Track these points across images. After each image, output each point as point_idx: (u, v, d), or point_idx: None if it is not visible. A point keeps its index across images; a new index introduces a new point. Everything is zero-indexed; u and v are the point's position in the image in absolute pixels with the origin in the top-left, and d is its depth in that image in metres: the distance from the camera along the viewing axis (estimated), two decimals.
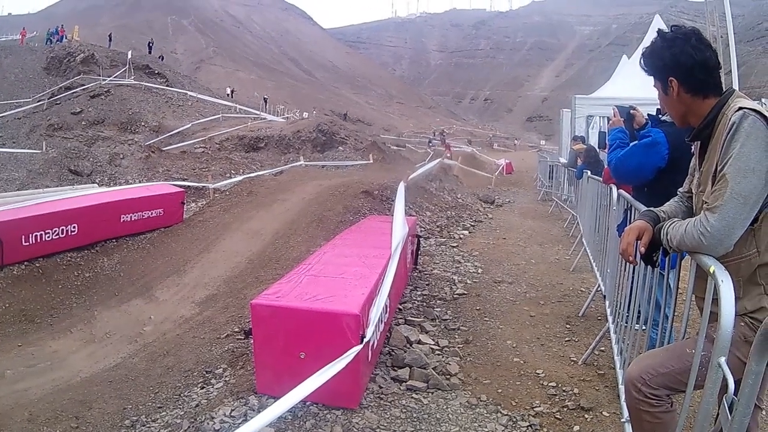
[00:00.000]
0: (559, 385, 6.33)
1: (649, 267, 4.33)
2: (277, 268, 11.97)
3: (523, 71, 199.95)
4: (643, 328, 4.72)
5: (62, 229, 13.20)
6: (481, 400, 6.11)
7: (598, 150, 13.64)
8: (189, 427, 5.98)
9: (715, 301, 2.64)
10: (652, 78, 3.38)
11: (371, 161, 28.60)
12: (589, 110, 20.86)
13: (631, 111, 6.45)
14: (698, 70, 3.15)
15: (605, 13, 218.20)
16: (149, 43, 73.71)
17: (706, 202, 2.98)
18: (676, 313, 4.12)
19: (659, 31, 3.28)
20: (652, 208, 3.64)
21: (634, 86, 16.59)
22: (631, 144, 6.38)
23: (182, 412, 6.42)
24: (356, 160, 29.65)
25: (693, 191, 3.41)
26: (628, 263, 4.61)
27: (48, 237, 12.88)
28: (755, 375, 2.22)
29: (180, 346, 9.11)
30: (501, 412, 5.88)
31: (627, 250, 3.52)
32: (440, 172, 25.80)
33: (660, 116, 6.10)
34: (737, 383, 2.36)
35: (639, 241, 3.46)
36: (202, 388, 7.02)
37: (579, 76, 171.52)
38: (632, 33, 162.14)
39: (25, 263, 12.43)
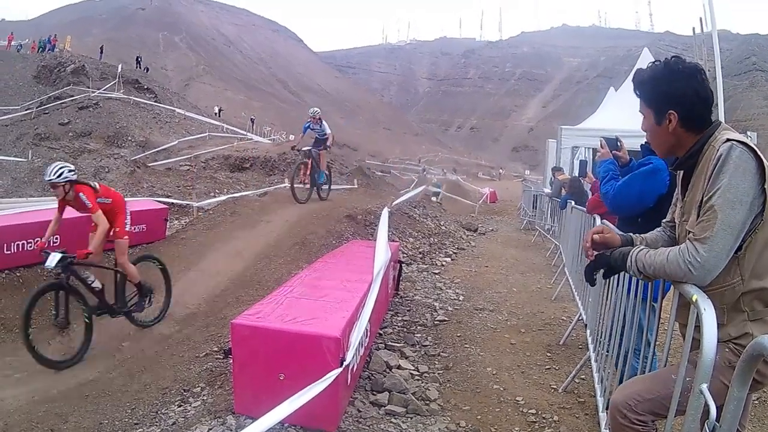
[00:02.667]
0: (539, 413, 6.33)
1: (631, 295, 4.37)
2: (259, 289, 11.94)
3: (511, 101, 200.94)
4: (625, 356, 4.74)
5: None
6: (460, 426, 6.10)
7: (581, 179, 13.70)
8: None
9: (698, 328, 2.66)
10: (638, 104, 3.39)
11: (356, 186, 28.60)
12: (575, 141, 20.95)
13: (618, 143, 6.50)
14: (700, 107, 3.16)
15: (594, 45, 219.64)
16: (137, 58, 73.76)
17: (690, 232, 3.00)
18: (657, 342, 4.14)
19: (665, 60, 3.26)
20: (630, 234, 3.67)
21: (621, 118, 16.68)
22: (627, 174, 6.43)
23: (159, 430, 6.40)
24: (341, 184, 29.65)
25: (676, 220, 3.43)
26: (609, 292, 4.66)
27: (30, 246, 12.72)
28: (737, 401, 2.25)
29: (158, 363, 9.07)
30: None
31: (587, 239, 3.65)
32: (424, 199, 25.83)
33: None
34: (719, 408, 2.39)
35: (596, 236, 3.60)
36: (180, 406, 6.99)
37: (566, 107, 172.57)
38: (620, 66, 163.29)
39: (6, 272, 12.37)
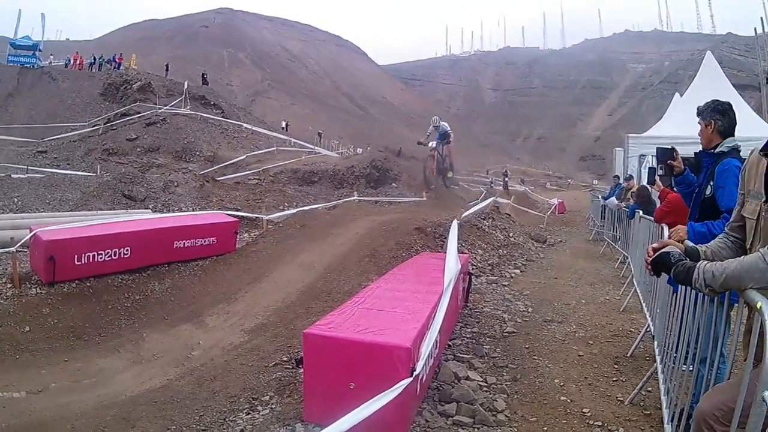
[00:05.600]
0: (605, 425, 6.33)
1: (701, 304, 4.38)
2: (329, 300, 12.05)
3: (576, 110, 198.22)
4: (690, 368, 4.73)
5: (115, 251, 13.43)
6: None
7: (649, 188, 13.60)
8: None
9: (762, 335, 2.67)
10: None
11: (424, 198, 28.63)
12: (642, 149, 20.68)
13: (674, 153, 6.53)
14: None
15: (657, 50, 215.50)
16: (203, 74, 73.98)
17: None
18: (728, 352, 4.14)
19: None
20: (696, 246, 3.69)
21: (687, 125, 16.41)
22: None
23: None
24: (410, 196, 29.66)
25: (748, 217, 3.44)
26: (679, 304, 4.67)
27: (100, 258, 13.12)
28: None
29: (227, 371, 9.25)
30: None
31: (649, 251, 3.69)
32: (493, 211, 25.74)
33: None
34: None
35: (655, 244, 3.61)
36: (248, 414, 7.13)
37: (632, 114, 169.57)
38: (684, 70, 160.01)
39: (76, 282, 12.65)
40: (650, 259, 3.68)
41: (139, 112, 46.11)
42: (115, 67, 63.72)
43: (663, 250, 3.61)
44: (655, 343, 7.14)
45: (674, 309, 5.77)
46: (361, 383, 5.74)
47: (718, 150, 5.79)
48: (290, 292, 13.35)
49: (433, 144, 26.86)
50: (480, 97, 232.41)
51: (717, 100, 5.91)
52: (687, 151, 7.03)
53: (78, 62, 67.38)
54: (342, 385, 5.95)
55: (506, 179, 67.89)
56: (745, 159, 3.79)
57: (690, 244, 3.88)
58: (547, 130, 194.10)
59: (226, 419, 7.09)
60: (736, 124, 5.72)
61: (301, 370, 6.73)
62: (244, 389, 8.08)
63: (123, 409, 8.12)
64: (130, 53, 73.01)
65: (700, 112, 5.94)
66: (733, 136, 5.79)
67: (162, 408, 7.92)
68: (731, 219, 3.71)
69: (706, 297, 4.15)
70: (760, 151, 3.41)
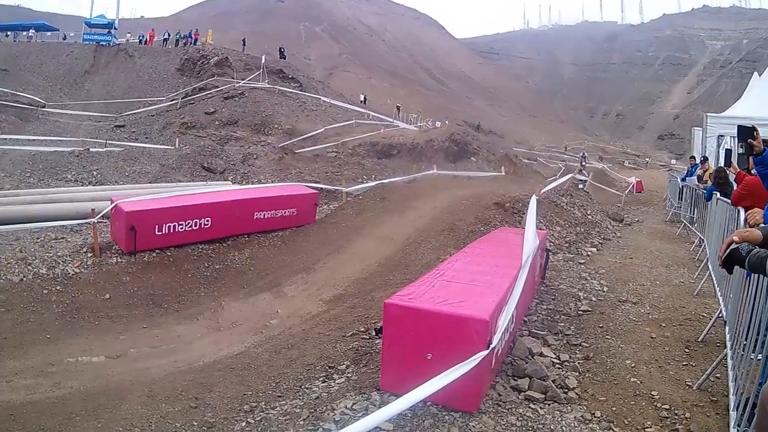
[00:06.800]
0: (672, 409, 6.41)
1: None
2: (407, 273, 12.22)
3: (655, 87, 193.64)
4: (759, 357, 4.79)
5: (196, 222, 13.84)
6: (595, 416, 6.25)
7: (726, 170, 13.47)
8: (309, 416, 6.31)
9: None
10: None
11: (503, 173, 28.58)
12: (721, 129, 20.34)
13: (754, 132, 6.48)
14: None
15: (735, 27, 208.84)
16: (281, 48, 73.62)
17: None
18: None
19: None
20: None
21: (766, 106, 16.18)
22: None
23: (302, 403, 6.75)
24: (488, 171, 29.63)
25: None
26: (751, 291, 4.75)
27: (181, 228, 13.55)
28: None
29: (304, 340, 9.47)
30: (613, 430, 6.02)
31: (724, 244, 3.73)
32: (571, 188, 25.58)
33: None
34: None
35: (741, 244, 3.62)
36: (324, 382, 7.33)
37: (710, 93, 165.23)
38: (763, 49, 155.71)
39: (157, 251, 13.11)
40: (722, 257, 3.76)
41: (217, 87, 46.59)
42: (191, 43, 64.24)
43: (732, 246, 3.69)
44: (727, 329, 7.17)
45: (747, 295, 5.79)
46: (439, 354, 5.87)
47: None
48: (369, 264, 13.58)
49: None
50: (559, 71, 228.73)
51: None
52: (765, 132, 7.01)
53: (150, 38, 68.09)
54: (419, 355, 6.10)
55: (584, 164, 66.90)
56: None
57: (764, 227, 3.95)
58: (625, 107, 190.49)
59: (303, 386, 7.30)
60: None
61: (380, 340, 6.94)
62: (321, 358, 8.28)
63: (200, 374, 8.47)
64: (206, 29, 73.38)
65: None
66: None
67: (239, 374, 8.22)
68: None
69: None
70: None
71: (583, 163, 61.84)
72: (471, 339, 5.83)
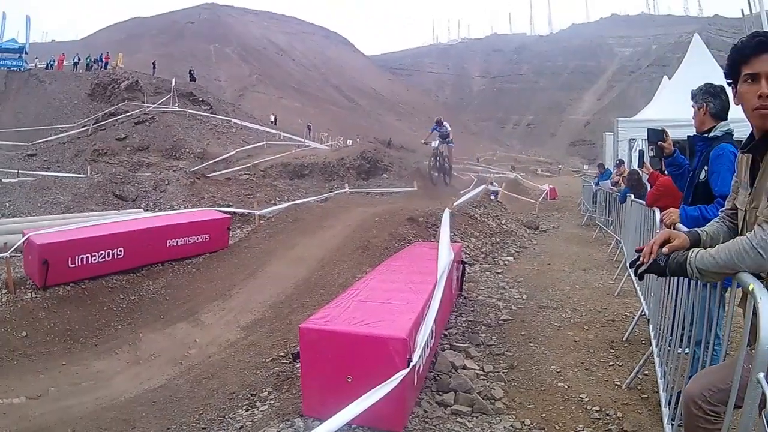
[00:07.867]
0: (603, 409, 6.37)
1: (694, 286, 4.38)
2: (323, 293, 12.02)
3: (565, 95, 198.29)
4: (686, 351, 4.76)
5: (108, 253, 13.43)
6: (525, 425, 6.16)
7: (639, 171, 13.66)
8: None
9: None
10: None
11: (416, 188, 28.65)
12: (632, 133, 20.72)
13: (664, 135, 6.55)
14: None
15: (644, 33, 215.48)
16: (191, 70, 74.07)
17: (761, 217, 3.01)
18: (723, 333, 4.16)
19: None
20: (696, 230, 3.68)
21: (675, 107, 16.51)
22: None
23: None
24: (401, 187, 29.68)
25: (739, 207, 3.44)
26: (673, 287, 4.68)
27: (94, 259, 13.11)
28: None
29: (225, 369, 9.30)
30: None
31: (648, 249, 3.60)
32: (484, 199, 25.76)
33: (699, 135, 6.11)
34: None
35: (662, 248, 3.51)
36: (247, 410, 7.18)
37: (620, 98, 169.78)
38: (672, 53, 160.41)
39: (71, 284, 12.65)
40: (639, 271, 3.67)
41: (128, 111, 46.35)
42: (102, 67, 63.62)
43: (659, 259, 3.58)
44: (651, 326, 7.20)
45: (668, 292, 5.81)
46: (359, 376, 5.77)
47: (711, 134, 5.81)
48: (285, 287, 13.35)
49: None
50: (468, 84, 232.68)
51: (710, 83, 5.93)
52: (676, 133, 7.08)
53: (60, 62, 67.39)
54: (339, 378, 5.96)
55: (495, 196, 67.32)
56: (738, 143, 3.81)
57: (684, 228, 3.88)
58: (536, 117, 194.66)
59: (226, 416, 7.14)
60: (729, 107, 5.72)
61: (299, 365, 6.76)
62: (243, 386, 8.12)
63: (123, 410, 8.19)
64: (117, 52, 72.92)
65: (693, 96, 5.97)
66: (726, 119, 5.80)
67: (161, 408, 7.99)
68: (726, 206, 3.71)
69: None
70: (741, 149, 3.44)
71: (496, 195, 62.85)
72: (390, 358, 5.74)
